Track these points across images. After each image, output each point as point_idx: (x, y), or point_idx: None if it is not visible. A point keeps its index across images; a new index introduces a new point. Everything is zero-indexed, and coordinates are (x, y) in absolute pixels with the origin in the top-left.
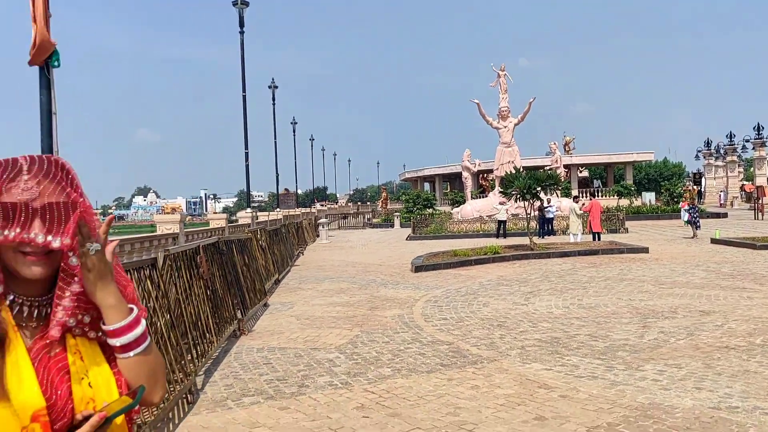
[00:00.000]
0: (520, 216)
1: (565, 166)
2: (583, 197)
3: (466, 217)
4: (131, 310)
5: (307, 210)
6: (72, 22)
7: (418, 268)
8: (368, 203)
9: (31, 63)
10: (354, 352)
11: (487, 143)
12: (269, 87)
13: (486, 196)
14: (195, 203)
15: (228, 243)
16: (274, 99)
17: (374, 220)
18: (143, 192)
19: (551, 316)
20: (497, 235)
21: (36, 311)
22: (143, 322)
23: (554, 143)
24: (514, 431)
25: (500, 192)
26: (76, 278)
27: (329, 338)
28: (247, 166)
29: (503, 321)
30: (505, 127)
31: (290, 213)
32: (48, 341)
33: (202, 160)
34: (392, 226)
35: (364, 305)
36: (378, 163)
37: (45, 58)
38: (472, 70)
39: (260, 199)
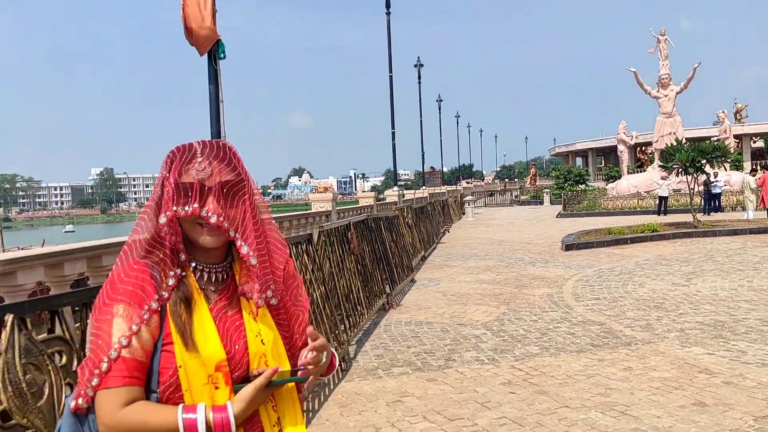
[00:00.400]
0: (683, 191)
1: (736, 137)
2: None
3: (621, 193)
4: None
5: (453, 187)
6: (230, 17)
7: (568, 247)
8: (515, 180)
9: (197, 50)
10: (501, 329)
11: (644, 114)
12: (415, 66)
13: (644, 171)
14: (345, 182)
15: (376, 220)
16: (419, 78)
17: (522, 197)
18: (298, 173)
19: (716, 299)
20: (658, 212)
21: (214, 277)
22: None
23: (723, 111)
24: (670, 415)
25: (660, 166)
26: (252, 270)
27: (475, 315)
28: (393, 145)
29: (661, 302)
30: (666, 96)
31: (436, 191)
32: (226, 302)
33: (351, 140)
34: (541, 203)
35: (511, 283)
36: (526, 138)
37: (212, 50)
38: (627, 37)
39: (406, 177)
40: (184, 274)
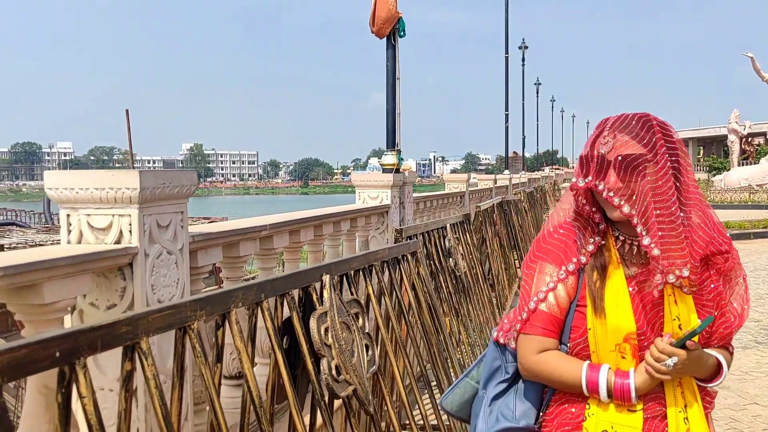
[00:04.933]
0: None
1: None
2: None
3: (730, 186)
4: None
5: (536, 174)
6: None
7: None
8: None
9: (376, 34)
10: None
11: (757, 103)
12: (519, 48)
13: (749, 163)
14: (424, 165)
15: (508, 203)
16: (523, 60)
17: None
18: (377, 154)
19: None
20: None
21: (635, 249)
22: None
23: None
24: None
25: None
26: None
27: None
28: (506, 128)
29: None
30: None
31: (532, 176)
32: (648, 277)
33: (430, 122)
34: None
35: None
36: None
37: (392, 29)
38: (740, 19)
39: (487, 161)
40: (603, 242)
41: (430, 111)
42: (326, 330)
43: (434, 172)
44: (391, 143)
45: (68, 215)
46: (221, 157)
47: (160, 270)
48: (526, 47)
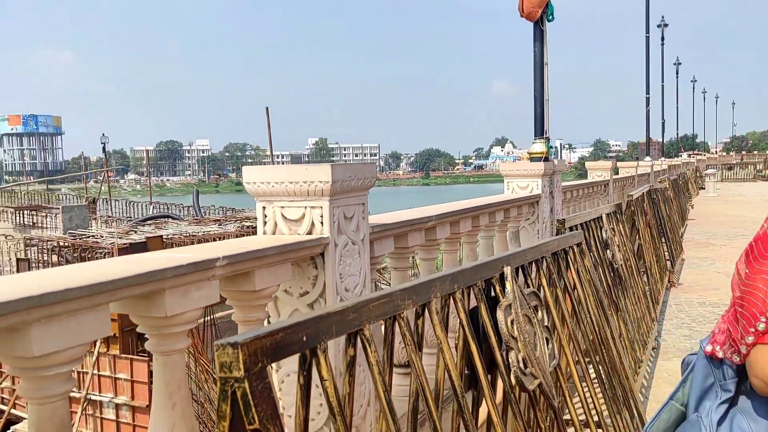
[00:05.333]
0: None
1: None
2: None
3: None
4: None
5: (682, 160)
6: None
7: None
8: (755, 152)
9: (526, 17)
10: None
11: None
12: (658, 26)
13: None
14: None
15: (655, 191)
16: (663, 39)
17: (766, 172)
18: (501, 143)
19: None
20: None
21: None
22: None
23: None
24: None
25: None
26: None
27: None
28: (647, 112)
29: None
30: None
31: (672, 163)
32: None
33: (556, 109)
34: None
35: None
36: None
37: (541, 12)
38: None
39: (617, 148)
40: None
41: (555, 97)
42: (512, 322)
43: (561, 159)
44: (539, 131)
45: (263, 207)
46: (344, 150)
47: (347, 260)
48: (666, 25)
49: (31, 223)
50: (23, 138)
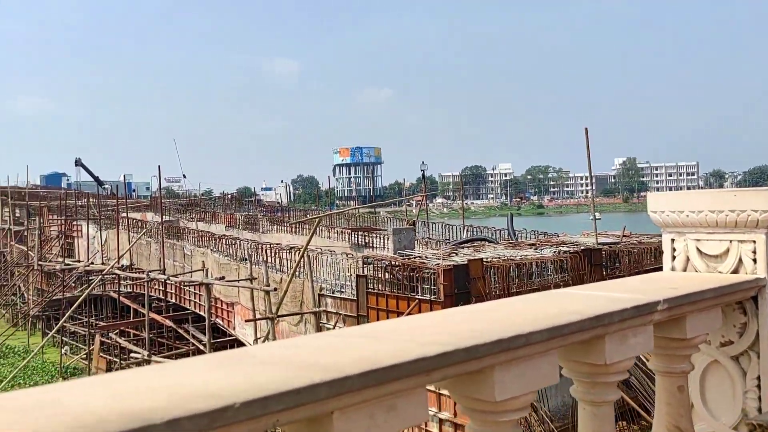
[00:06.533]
0: None
1: None
2: None
3: None
4: None
5: None
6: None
7: None
8: None
9: None
10: None
11: None
12: None
13: None
14: None
15: None
16: None
17: None
18: None
19: None
20: None
21: None
22: None
23: None
24: None
25: None
26: None
27: None
28: None
29: None
30: None
31: None
32: None
33: None
34: None
35: None
36: None
37: None
38: None
39: None
40: None
41: None
42: None
43: None
44: None
45: (672, 240)
46: (656, 170)
47: None
48: None
49: (363, 243)
50: (351, 167)
